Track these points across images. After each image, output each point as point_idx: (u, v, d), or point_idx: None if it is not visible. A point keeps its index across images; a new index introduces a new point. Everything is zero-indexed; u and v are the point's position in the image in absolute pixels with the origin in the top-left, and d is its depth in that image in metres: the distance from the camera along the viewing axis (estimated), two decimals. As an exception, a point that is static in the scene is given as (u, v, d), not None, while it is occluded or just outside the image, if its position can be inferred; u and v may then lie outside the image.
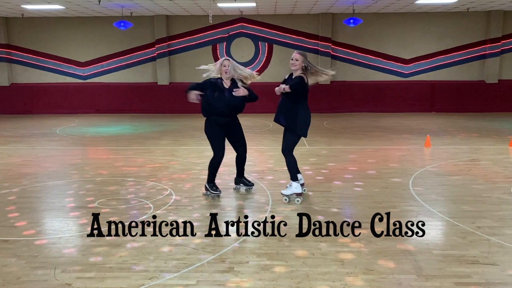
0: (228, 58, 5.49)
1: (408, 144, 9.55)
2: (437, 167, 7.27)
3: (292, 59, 5.28)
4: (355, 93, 16.24)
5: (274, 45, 16.25)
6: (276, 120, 5.43)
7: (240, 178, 5.93)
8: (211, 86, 5.43)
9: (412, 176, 6.68)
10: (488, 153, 8.43)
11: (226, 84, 5.46)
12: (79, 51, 16.57)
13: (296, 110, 5.27)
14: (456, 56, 16.17)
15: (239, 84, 5.47)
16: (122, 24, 13.86)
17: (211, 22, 14.04)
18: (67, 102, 16.42)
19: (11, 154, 8.81)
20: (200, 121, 13.73)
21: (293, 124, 5.30)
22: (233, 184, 6.09)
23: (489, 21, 15.71)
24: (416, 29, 16.03)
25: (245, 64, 16.04)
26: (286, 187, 5.60)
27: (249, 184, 5.89)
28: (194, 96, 5.40)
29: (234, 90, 5.36)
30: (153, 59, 16.43)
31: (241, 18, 16.08)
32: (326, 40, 15.93)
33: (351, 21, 13.96)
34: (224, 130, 5.54)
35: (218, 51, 16.37)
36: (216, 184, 5.78)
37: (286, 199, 5.44)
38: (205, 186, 5.74)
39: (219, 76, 5.50)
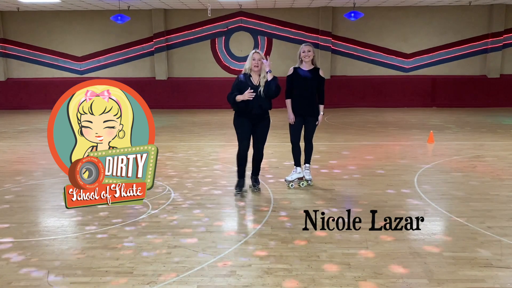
0: (258, 51, 5.30)
1: (410, 140, 9.39)
2: (442, 164, 7.11)
3: (304, 51, 5.58)
4: (355, 88, 16.06)
5: (273, 39, 16.04)
6: (305, 113, 5.68)
7: (252, 176, 5.72)
8: (242, 85, 5.25)
9: (417, 173, 6.52)
10: (492, 149, 8.28)
11: (255, 80, 5.31)
12: (76, 45, 16.35)
13: (316, 101, 5.76)
14: (457, 51, 16.00)
15: (267, 73, 5.27)
16: (119, 18, 13.62)
17: (210, 16, 13.82)
18: None
19: (5, 151, 8.62)
20: (198, 117, 13.64)
21: (318, 113, 5.77)
22: (236, 182, 5.91)
23: (491, 15, 15.53)
24: (417, 23, 15.84)
25: (244, 59, 15.83)
26: (307, 172, 5.91)
27: (254, 185, 5.68)
28: (246, 96, 5.17)
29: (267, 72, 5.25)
30: (151, 53, 16.21)
31: (240, 12, 15.86)
32: (326, 34, 15.73)
33: (352, 14, 13.75)
34: (251, 122, 5.38)
35: (216, 45, 16.16)
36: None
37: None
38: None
39: (246, 72, 5.33)
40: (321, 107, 5.76)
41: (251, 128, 5.42)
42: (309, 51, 5.55)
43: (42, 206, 5.21)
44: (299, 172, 5.87)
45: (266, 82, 5.26)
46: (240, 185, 5.55)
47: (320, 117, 5.76)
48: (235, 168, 5.78)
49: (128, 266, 3.57)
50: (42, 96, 16.29)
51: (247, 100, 5.22)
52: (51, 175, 6.59)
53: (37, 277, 3.39)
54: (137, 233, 4.26)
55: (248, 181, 5.75)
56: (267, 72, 5.24)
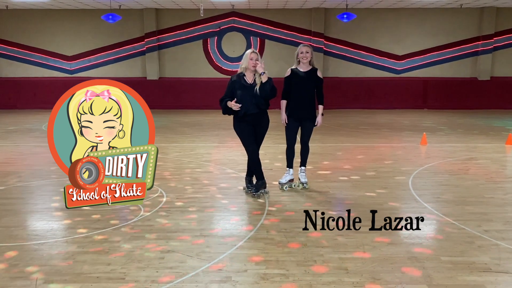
0: (255, 51, 5.22)
1: (403, 142, 9.37)
2: (436, 166, 7.09)
3: (302, 52, 5.46)
4: (347, 89, 16.04)
5: (266, 40, 15.97)
6: (302, 115, 5.57)
7: (247, 178, 5.66)
8: (235, 86, 5.19)
9: (411, 175, 6.48)
10: (485, 152, 8.29)
11: (249, 79, 5.23)
12: (66, 44, 16.12)
13: (314, 103, 5.64)
14: (448, 53, 16.05)
15: (261, 75, 5.17)
16: (110, 17, 13.45)
17: (202, 15, 13.71)
18: (53, 97, 15.68)
19: (-7, 151, 8.44)
20: (190, 117, 13.51)
21: (315, 116, 5.64)
22: (231, 185, 5.84)
23: (482, 18, 15.61)
24: (409, 25, 15.88)
25: (237, 59, 15.73)
26: (303, 174, 5.86)
27: (249, 187, 5.59)
28: (233, 106, 5.11)
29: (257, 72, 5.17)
30: (142, 53, 16.05)
31: (233, 12, 15.76)
32: (318, 36, 15.70)
33: (345, 16, 13.72)
34: (251, 124, 5.30)
35: (209, 45, 16.05)
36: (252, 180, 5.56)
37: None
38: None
39: (241, 71, 5.26)
40: (321, 107, 5.67)
41: (252, 131, 5.33)
42: (307, 52, 5.44)
43: (30, 209, 5.07)
44: (292, 174, 5.81)
45: (261, 83, 5.16)
46: (263, 186, 5.45)
47: (320, 118, 5.64)
48: (229, 171, 5.71)
49: (120, 271, 3.46)
50: (31, 96, 16.04)
51: (242, 100, 5.14)
52: (40, 177, 6.45)
53: (25, 284, 3.27)
54: (129, 237, 4.15)
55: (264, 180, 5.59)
56: (261, 74, 5.14)
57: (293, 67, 5.59)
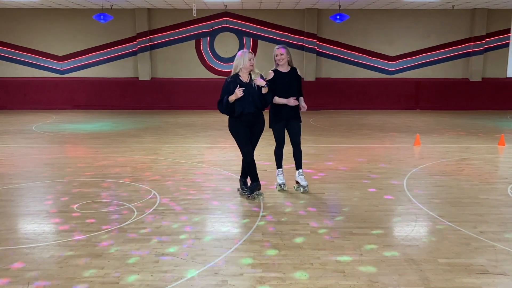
0: (250, 51, 5.23)
1: (396, 143, 9.38)
2: (430, 167, 7.09)
3: (277, 55, 5.42)
4: (340, 90, 16.06)
5: (258, 41, 15.93)
6: (289, 115, 5.51)
7: (241, 179, 5.62)
8: (232, 86, 5.12)
9: (406, 176, 6.48)
10: (478, 152, 8.31)
11: (244, 78, 5.20)
12: (57, 44, 15.95)
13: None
14: (440, 54, 16.14)
15: (256, 76, 5.17)
16: (102, 17, 13.32)
17: (195, 16, 13.64)
18: (44, 97, 15.78)
19: (-17, 153, 8.31)
20: (182, 118, 13.44)
21: (299, 114, 5.61)
22: (225, 186, 5.79)
23: (473, 19, 15.72)
24: (402, 26, 15.94)
25: (229, 60, 15.67)
26: (302, 178, 5.75)
27: (244, 189, 5.54)
28: (238, 92, 5.02)
29: (254, 79, 5.15)
30: (134, 53, 15.93)
31: (225, 12, 15.70)
32: (311, 36, 15.70)
33: (338, 17, 13.72)
34: (247, 125, 5.27)
35: (201, 45, 15.98)
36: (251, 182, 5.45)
37: (306, 189, 5.69)
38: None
39: (237, 71, 5.21)
40: (301, 98, 5.58)
41: (248, 132, 5.29)
42: (282, 54, 5.38)
43: (22, 212, 4.98)
44: (283, 174, 5.86)
45: (263, 94, 5.18)
46: (257, 188, 5.39)
47: (303, 103, 5.53)
48: (223, 172, 5.65)
49: (114, 275, 3.40)
50: (22, 96, 15.84)
51: (239, 99, 5.08)
52: (31, 179, 6.34)
53: (17, 289, 3.20)
54: (122, 240, 4.08)
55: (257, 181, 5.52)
56: (262, 87, 5.13)
57: (273, 68, 5.53)
